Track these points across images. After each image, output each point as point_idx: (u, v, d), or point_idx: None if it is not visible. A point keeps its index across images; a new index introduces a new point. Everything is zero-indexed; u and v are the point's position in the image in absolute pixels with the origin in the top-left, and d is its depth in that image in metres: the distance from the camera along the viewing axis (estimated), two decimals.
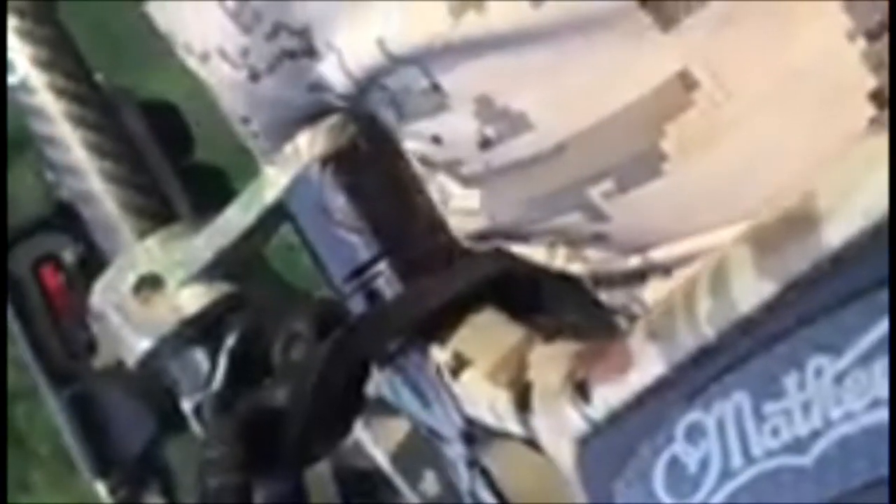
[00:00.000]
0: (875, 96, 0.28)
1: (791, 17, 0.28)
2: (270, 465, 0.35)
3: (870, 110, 0.28)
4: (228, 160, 0.51)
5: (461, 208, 0.35)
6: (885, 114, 0.27)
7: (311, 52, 0.34)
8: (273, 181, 0.38)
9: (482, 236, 0.35)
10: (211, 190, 0.54)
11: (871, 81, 0.28)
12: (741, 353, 0.25)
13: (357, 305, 0.37)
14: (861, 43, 0.27)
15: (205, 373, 0.41)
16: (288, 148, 0.38)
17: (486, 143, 0.32)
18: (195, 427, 0.43)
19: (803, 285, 0.24)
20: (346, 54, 0.33)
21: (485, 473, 0.37)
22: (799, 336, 0.24)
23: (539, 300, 0.37)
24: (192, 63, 0.37)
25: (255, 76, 0.35)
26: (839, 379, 0.24)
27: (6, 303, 0.51)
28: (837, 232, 0.23)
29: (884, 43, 0.27)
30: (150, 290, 0.41)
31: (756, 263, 0.25)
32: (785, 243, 0.25)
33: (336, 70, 0.34)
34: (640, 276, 0.32)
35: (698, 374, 0.26)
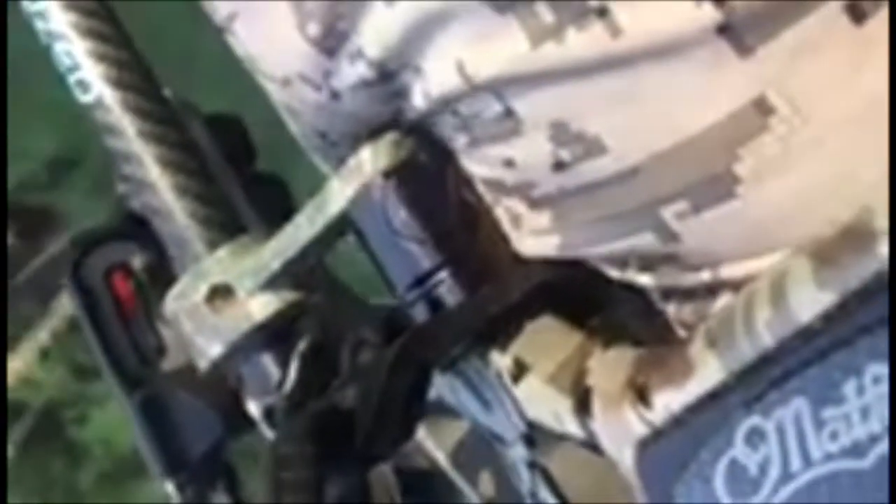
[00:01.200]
0: None
1: (865, 45, 0.28)
2: (339, 463, 0.36)
3: None
4: (287, 170, 0.52)
5: (532, 228, 0.36)
6: None
7: (389, 76, 0.35)
8: (337, 193, 0.39)
9: (554, 257, 0.36)
10: (272, 198, 0.56)
11: None
12: (800, 361, 0.26)
13: (420, 313, 0.38)
14: None
15: (274, 376, 0.43)
16: (351, 161, 0.39)
17: (559, 166, 0.33)
18: (263, 428, 0.44)
19: (862, 297, 0.25)
20: (428, 76, 0.34)
21: (546, 475, 0.38)
22: (857, 345, 0.25)
23: (598, 306, 0.38)
24: (271, 87, 0.38)
25: (336, 96, 0.36)
26: None
27: (6, 303, 0.53)
28: (893, 246, 0.24)
29: None
30: (221, 298, 0.42)
31: (815, 275, 0.26)
32: (843, 256, 0.25)
33: (417, 90, 0.35)
34: (709, 292, 0.33)
35: (757, 381, 0.27)
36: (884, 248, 0.24)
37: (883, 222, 0.24)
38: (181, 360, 0.50)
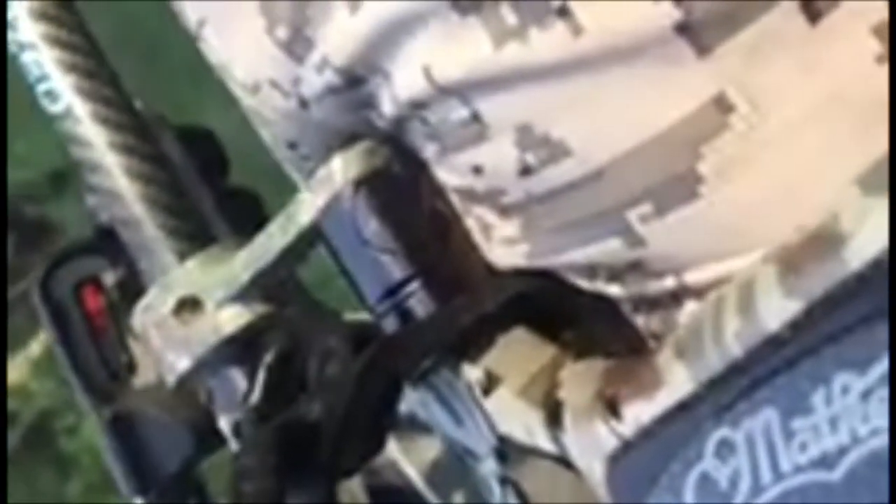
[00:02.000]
0: None
1: (821, 43, 0.28)
2: (304, 476, 0.36)
3: None
4: (262, 183, 0.52)
5: (502, 237, 0.36)
6: None
7: (357, 82, 0.35)
8: (308, 204, 0.39)
9: (523, 268, 0.36)
10: (246, 212, 0.56)
11: None
12: (768, 371, 0.26)
13: (390, 325, 0.38)
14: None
15: (243, 391, 0.42)
16: (322, 171, 0.39)
17: (526, 171, 0.33)
18: (232, 444, 0.44)
19: (828, 304, 0.24)
20: (395, 80, 0.34)
21: (517, 490, 0.37)
22: (825, 353, 0.25)
23: (570, 318, 0.37)
24: (241, 94, 0.38)
25: (304, 104, 0.36)
26: (866, 395, 0.24)
27: (6, 304, 0.52)
28: (860, 252, 0.24)
29: None
30: (189, 311, 0.42)
31: (782, 282, 0.26)
32: (809, 263, 0.25)
33: (384, 94, 0.35)
34: (674, 299, 0.33)
35: (727, 392, 0.27)
36: (849, 255, 0.24)
37: (848, 226, 0.24)
38: (152, 377, 0.49)
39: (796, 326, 0.25)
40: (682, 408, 0.28)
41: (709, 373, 0.27)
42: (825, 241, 0.25)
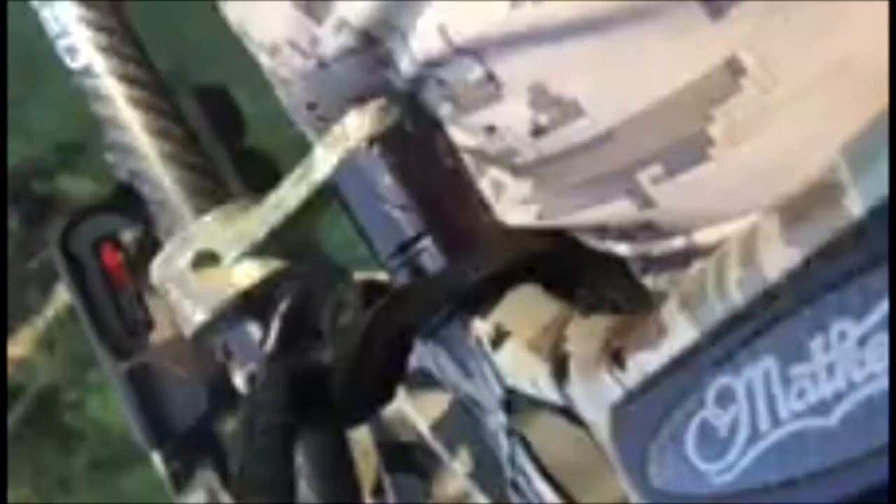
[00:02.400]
0: None
1: (834, 7, 0.29)
2: (315, 416, 0.37)
3: None
4: (279, 148, 0.53)
5: (514, 197, 0.36)
6: None
7: (375, 42, 0.35)
8: (322, 161, 0.40)
9: (534, 227, 0.36)
10: (261, 172, 0.56)
11: None
12: (769, 319, 0.26)
13: (402, 280, 0.38)
14: None
15: (258, 343, 0.43)
16: (336, 129, 0.39)
17: (538, 131, 0.33)
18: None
19: (827, 252, 0.25)
20: (411, 40, 0.34)
21: (524, 442, 0.38)
22: (824, 301, 0.25)
23: (580, 277, 0.38)
24: (261, 56, 0.39)
25: (323, 64, 0.36)
26: (862, 342, 0.25)
27: (6, 303, 0.53)
28: (859, 201, 0.24)
29: None
30: (206, 265, 0.43)
31: (784, 232, 0.26)
32: (810, 213, 0.26)
33: (402, 53, 0.35)
34: (683, 259, 0.33)
35: (728, 340, 0.28)
36: (848, 204, 0.25)
37: (847, 176, 0.25)
38: (168, 333, 0.50)
39: (796, 275, 0.25)
40: (685, 357, 0.29)
41: (711, 322, 0.28)
42: (825, 190, 0.25)
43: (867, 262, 0.24)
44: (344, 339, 0.36)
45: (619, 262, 0.37)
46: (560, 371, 0.34)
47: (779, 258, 0.26)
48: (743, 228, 0.31)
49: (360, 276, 0.46)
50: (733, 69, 0.30)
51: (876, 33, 0.29)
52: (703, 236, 0.33)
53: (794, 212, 0.26)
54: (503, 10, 0.31)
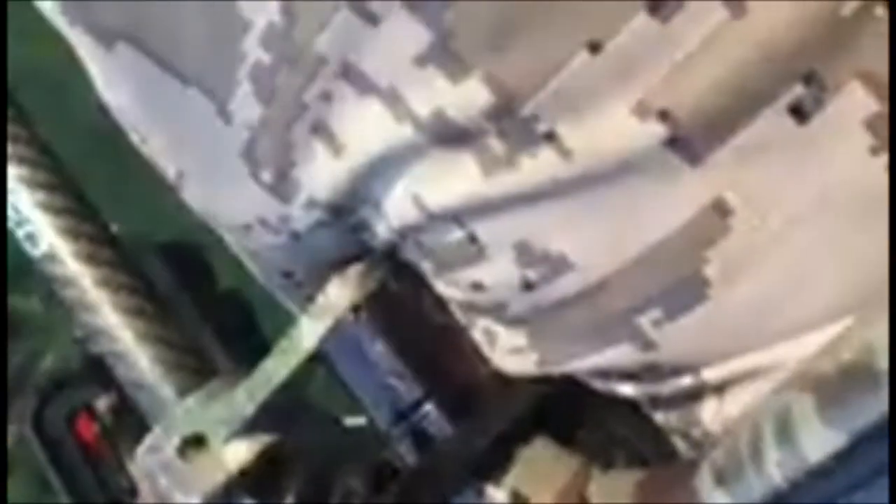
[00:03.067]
0: None
1: (813, 141, 0.28)
2: None
3: None
4: (249, 287, 0.51)
5: (510, 347, 0.35)
6: None
7: (348, 212, 0.34)
8: (308, 332, 0.38)
9: (535, 375, 0.35)
10: (233, 316, 0.54)
11: None
12: (815, 500, 0.25)
13: (405, 448, 0.37)
14: (884, 157, 0.28)
15: None
16: (320, 298, 0.38)
17: (528, 286, 0.32)
18: None
19: (872, 437, 0.24)
20: (385, 208, 0.33)
21: None
22: (875, 485, 0.24)
23: (589, 420, 0.37)
24: (230, 237, 0.37)
25: (296, 236, 0.35)
26: None
27: (6, 302, 0.51)
28: None
29: None
30: (194, 449, 0.41)
31: (821, 414, 0.25)
32: (849, 395, 0.25)
33: (376, 221, 0.34)
34: (693, 396, 0.32)
35: None
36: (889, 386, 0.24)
37: (884, 359, 0.24)
38: (154, 499, 0.48)
39: (841, 458, 0.24)
40: None
41: (751, 500, 0.27)
42: (863, 375, 0.24)
43: None
44: None
45: (627, 402, 0.36)
46: None
47: (820, 440, 0.25)
48: (755, 364, 0.30)
49: (351, 421, 0.44)
50: (720, 210, 0.29)
51: (859, 161, 0.28)
52: (713, 373, 0.32)
53: (831, 393, 0.25)
54: (478, 180, 0.30)
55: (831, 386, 0.25)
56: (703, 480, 0.28)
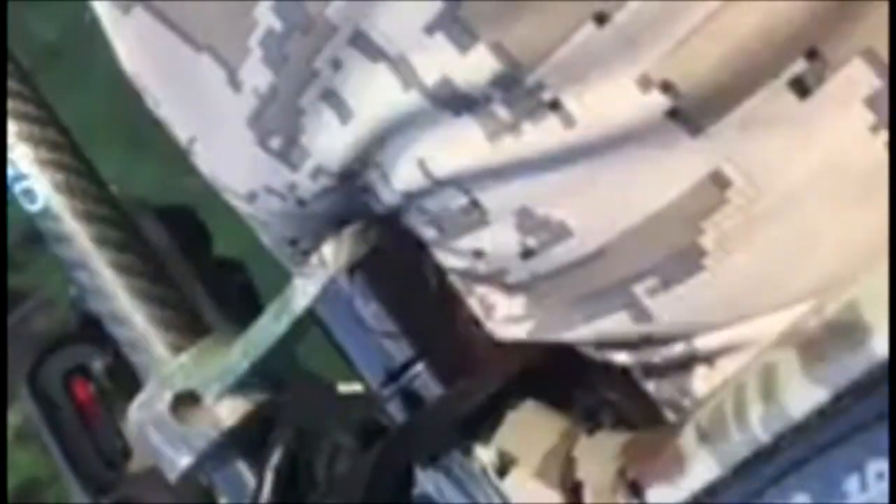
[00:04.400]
0: None
1: (813, 117, 0.28)
2: None
3: None
4: (247, 251, 0.51)
5: (506, 316, 0.35)
6: None
7: (353, 176, 0.34)
8: (302, 291, 0.38)
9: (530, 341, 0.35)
10: (232, 282, 0.54)
11: None
12: (798, 457, 0.25)
13: (396, 409, 0.37)
14: (884, 135, 0.28)
15: (248, 484, 0.41)
16: (314, 258, 0.38)
17: (528, 253, 0.32)
18: None
19: (857, 393, 0.24)
20: (391, 174, 0.33)
21: None
22: (855, 441, 0.24)
23: (580, 386, 0.37)
24: (238, 203, 0.37)
25: (302, 203, 0.36)
26: None
27: (6, 300, 0.51)
28: (884, 342, 0.24)
29: None
30: (187, 406, 0.41)
31: (805, 370, 0.25)
32: (833, 351, 0.25)
33: (382, 185, 0.34)
34: (684, 365, 0.33)
35: (755, 477, 0.26)
36: (874, 342, 0.24)
37: (872, 317, 0.24)
38: (149, 461, 0.48)
39: (824, 414, 0.25)
40: (709, 492, 0.28)
41: (735, 458, 0.27)
42: (849, 330, 0.24)
43: None
44: (346, 490, 0.35)
45: (619, 369, 0.36)
46: (574, 500, 0.33)
47: (803, 396, 0.25)
48: (746, 334, 0.30)
49: (344, 388, 0.44)
50: (718, 182, 0.29)
51: (859, 138, 0.28)
52: (704, 342, 0.32)
53: (815, 349, 0.25)
54: (483, 145, 0.31)
55: (816, 342, 0.25)
56: (687, 439, 0.28)
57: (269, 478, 0.38)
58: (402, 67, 0.30)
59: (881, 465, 0.24)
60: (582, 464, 0.34)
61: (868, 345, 0.24)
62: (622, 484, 0.31)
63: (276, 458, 0.38)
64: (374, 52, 0.31)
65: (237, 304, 0.51)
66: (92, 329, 0.49)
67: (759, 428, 0.26)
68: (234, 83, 0.33)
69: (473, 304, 0.36)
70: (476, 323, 0.37)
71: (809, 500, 0.25)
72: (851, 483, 0.24)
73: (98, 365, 0.53)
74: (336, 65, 0.31)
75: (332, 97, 0.32)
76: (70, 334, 0.53)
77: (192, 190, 0.43)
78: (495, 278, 0.34)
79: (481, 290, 0.36)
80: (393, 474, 0.35)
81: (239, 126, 0.34)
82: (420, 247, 0.37)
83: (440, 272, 0.37)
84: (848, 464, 0.25)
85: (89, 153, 0.45)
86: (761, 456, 0.26)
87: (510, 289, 0.34)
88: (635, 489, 0.30)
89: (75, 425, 0.53)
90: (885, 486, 0.24)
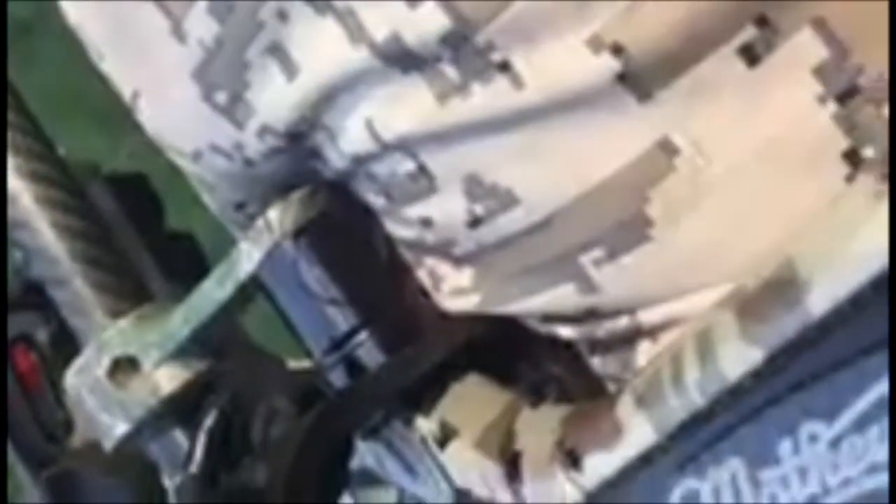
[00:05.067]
0: (848, 156, 0.28)
1: (762, 85, 0.28)
2: None
3: (844, 169, 0.28)
4: (199, 226, 0.50)
5: (454, 288, 0.35)
6: (859, 173, 0.27)
7: (301, 138, 0.34)
8: (246, 256, 0.37)
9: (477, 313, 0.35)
10: (182, 255, 0.54)
11: (844, 142, 0.28)
12: (732, 421, 0.25)
13: (338, 377, 0.36)
14: (832, 106, 0.28)
15: (185, 452, 0.40)
16: (259, 222, 0.37)
17: (475, 222, 0.32)
18: None
19: (791, 352, 0.24)
20: (339, 137, 0.33)
21: None
22: (790, 402, 0.24)
23: (525, 361, 0.36)
24: (183, 163, 0.37)
25: (249, 163, 0.35)
26: (835, 444, 0.23)
27: (6, 304, 0.50)
28: (822, 299, 0.23)
29: (853, 106, 0.27)
30: (125, 372, 0.40)
31: (741, 331, 0.25)
32: (769, 311, 0.24)
33: (329, 149, 0.34)
34: (628, 340, 0.32)
35: (690, 442, 0.26)
36: (810, 302, 0.24)
37: (806, 272, 0.24)
38: (91, 435, 0.47)
39: (759, 375, 0.24)
40: (645, 459, 0.27)
41: (671, 422, 0.26)
42: (784, 288, 0.24)
43: (835, 363, 0.23)
44: (278, 453, 0.34)
45: (564, 344, 0.36)
46: (512, 470, 0.33)
47: (739, 358, 0.25)
48: (689, 308, 0.30)
49: (293, 364, 0.43)
50: (666, 150, 0.29)
51: (806, 108, 0.28)
52: (648, 316, 0.32)
53: (752, 310, 0.25)
54: (431, 106, 0.30)
55: (753, 302, 0.25)
56: (625, 406, 0.28)
57: (201, 440, 0.37)
58: (350, 21, 0.30)
59: (814, 427, 0.24)
60: (522, 435, 0.33)
61: (803, 302, 0.24)
62: (560, 453, 0.30)
63: (209, 420, 0.37)
64: (321, 4, 0.30)
65: (185, 276, 0.50)
66: (35, 296, 0.48)
67: (694, 390, 0.26)
68: (179, 34, 0.32)
69: (422, 275, 0.36)
70: (424, 294, 0.37)
71: (743, 464, 0.25)
72: (784, 446, 0.24)
73: (42, 333, 0.52)
74: (282, 17, 0.30)
75: (278, 51, 0.31)
76: (12, 301, 0.51)
77: (155, 166, 0.43)
78: (443, 249, 0.34)
79: (430, 261, 0.35)
80: (328, 440, 0.34)
81: (183, 79, 0.33)
82: (370, 215, 0.36)
83: (390, 242, 0.36)
84: (781, 426, 0.24)
85: (53, 126, 0.44)
86: (697, 420, 0.26)
87: (458, 261, 0.34)
88: (573, 457, 0.30)
89: (16, 396, 0.52)
90: (818, 448, 0.24)
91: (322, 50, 0.31)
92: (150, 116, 0.36)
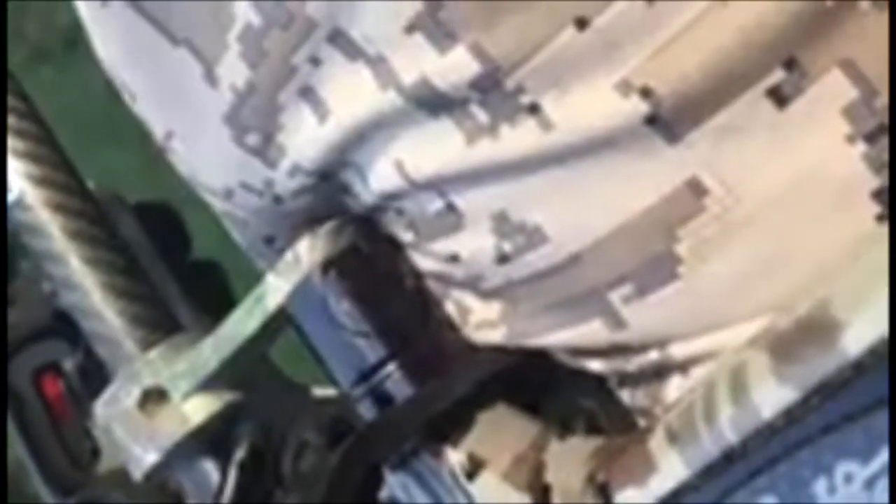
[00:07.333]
0: (878, 195, 0.28)
1: (790, 126, 0.28)
2: None
3: (875, 208, 0.28)
4: (224, 254, 0.51)
5: (481, 321, 0.35)
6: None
7: (331, 176, 0.34)
8: (275, 288, 0.38)
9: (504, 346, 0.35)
10: (209, 286, 0.54)
11: (874, 181, 0.28)
12: (766, 459, 0.25)
13: (367, 409, 0.36)
14: (861, 146, 0.28)
15: (215, 484, 0.40)
16: (288, 255, 0.37)
17: (503, 259, 0.32)
18: None
19: (825, 392, 0.24)
20: (368, 175, 0.33)
21: None
22: (825, 442, 0.24)
23: (553, 392, 0.36)
24: (213, 201, 0.37)
25: (279, 200, 0.35)
26: (870, 484, 0.23)
27: (6, 304, 0.50)
28: (857, 341, 0.23)
29: (882, 145, 0.28)
30: (154, 403, 0.40)
31: (775, 370, 0.25)
32: (804, 351, 0.25)
33: (359, 185, 0.34)
34: (659, 374, 0.32)
35: (723, 479, 0.26)
36: (845, 343, 0.24)
37: (842, 313, 0.24)
38: (117, 462, 0.47)
39: (793, 415, 0.24)
40: (677, 495, 0.27)
41: (703, 460, 0.26)
42: (819, 329, 0.24)
43: (869, 403, 0.23)
44: (309, 486, 0.34)
45: (593, 376, 0.36)
46: (543, 502, 0.33)
47: (773, 397, 0.25)
48: (720, 343, 0.30)
49: (319, 392, 0.44)
50: (695, 190, 0.29)
51: (835, 148, 0.28)
52: (678, 350, 0.32)
53: (785, 349, 0.25)
54: (460, 147, 0.31)
55: (786, 342, 0.25)
56: (657, 441, 0.28)
57: (232, 473, 0.37)
58: (380, 67, 0.30)
59: (849, 467, 0.24)
60: (552, 468, 0.33)
61: (838, 343, 0.24)
62: (591, 487, 0.30)
63: (240, 453, 0.38)
64: (353, 50, 0.30)
65: (213, 306, 0.51)
66: (65, 325, 0.48)
67: (727, 428, 0.26)
68: (211, 78, 0.33)
69: (449, 307, 0.36)
70: (451, 326, 0.37)
71: (777, 501, 0.25)
72: (819, 486, 0.24)
73: (69, 362, 0.52)
74: (315, 62, 0.31)
75: (310, 95, 0.32)
76: (42, 329, 0.52)
77: (175, 191, 0.43)
78: (471, 283, 0.34)
79: (457, 294, 0.36)
80: (358, 473, 0.35)
81: (215, 122, 0.34)
82: (397, 248, 0.36)
83: (418, 275, 0.37)
84: (816, 466, 0.24)
85: (75, 151, 0.45)
86: (730, 457, 0.26)
87: (486, 294, 0.34)
88: (604, 492, 0.30)
89: (43, 423, 0.52)
90: (853, 488, 0.24)
91: (353, 93, 0.31)
92: (182, 157, 0.36)
